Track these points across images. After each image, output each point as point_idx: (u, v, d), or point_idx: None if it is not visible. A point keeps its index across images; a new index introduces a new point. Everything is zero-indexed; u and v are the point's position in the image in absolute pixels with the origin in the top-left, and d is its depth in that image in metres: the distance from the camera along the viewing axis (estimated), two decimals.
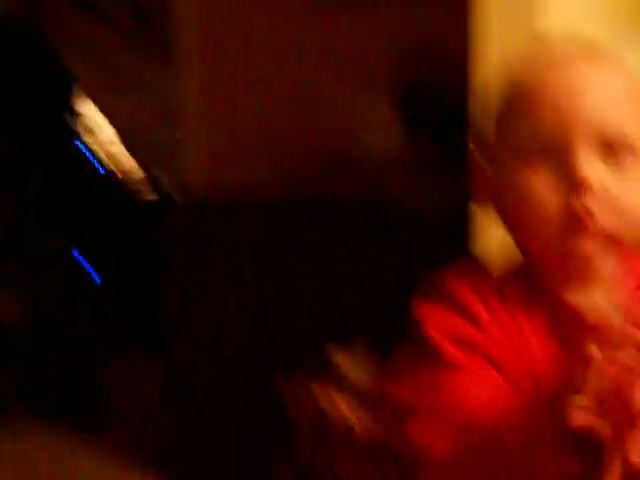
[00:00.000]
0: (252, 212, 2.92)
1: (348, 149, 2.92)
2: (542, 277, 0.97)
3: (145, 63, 3.53)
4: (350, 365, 2.30)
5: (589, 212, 0.89)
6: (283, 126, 3.14)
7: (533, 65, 0.98)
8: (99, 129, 4.59)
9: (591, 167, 0.89)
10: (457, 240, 1.87)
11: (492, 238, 1.70)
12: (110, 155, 4.61)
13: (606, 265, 0.95)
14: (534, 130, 0.92)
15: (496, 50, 1.74)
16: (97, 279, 4.31)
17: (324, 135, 2.98)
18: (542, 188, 0.90)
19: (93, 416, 3.51)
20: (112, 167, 4.60)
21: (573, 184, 0.88)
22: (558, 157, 0.90)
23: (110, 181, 4.60)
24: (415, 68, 2.94)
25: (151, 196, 4.45)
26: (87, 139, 4.60)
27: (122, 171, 4.61)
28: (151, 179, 3.92)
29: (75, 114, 4.50)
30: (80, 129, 4.57)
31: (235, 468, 2.76)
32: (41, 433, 3.42)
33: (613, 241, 0.91)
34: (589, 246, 0.91)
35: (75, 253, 4.16)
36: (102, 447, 3.23)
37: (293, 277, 2.80)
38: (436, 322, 0.92)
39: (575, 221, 0.89)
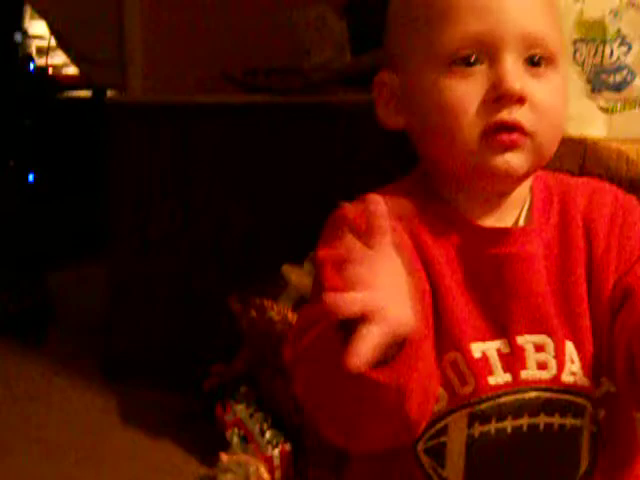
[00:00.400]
0: (193, 112, 2.88)
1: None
2: (450, 195, 0.95)
3: None
4: (302, 279, 2.34)
5: (516, 121, 0.87)
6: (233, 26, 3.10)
7: None
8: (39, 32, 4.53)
9: (518, 76, 0.87)
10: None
11: None
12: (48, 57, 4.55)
13: (522, 187, 0.95)
14: (458, 36, 0.87)
15: None
16: (31, 179, 4.29)
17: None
18: (465, 95, 0.87)
19: (37, 324, 3.51)
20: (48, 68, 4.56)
21: (500, 92, 0.86)
22: (483, 64, 0.88)
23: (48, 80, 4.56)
24: None
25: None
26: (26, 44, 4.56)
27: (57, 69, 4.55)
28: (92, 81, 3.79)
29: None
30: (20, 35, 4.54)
31: (174, 376, 2.76)
32: None
33: (537, 153, 0.90)
34: (512, 159, 0.88)
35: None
36: (46, 356, 3.22)
37: (244, 187, 2.80)
38: (335, 261, 0.81)
39: (499, 134, 0.87)
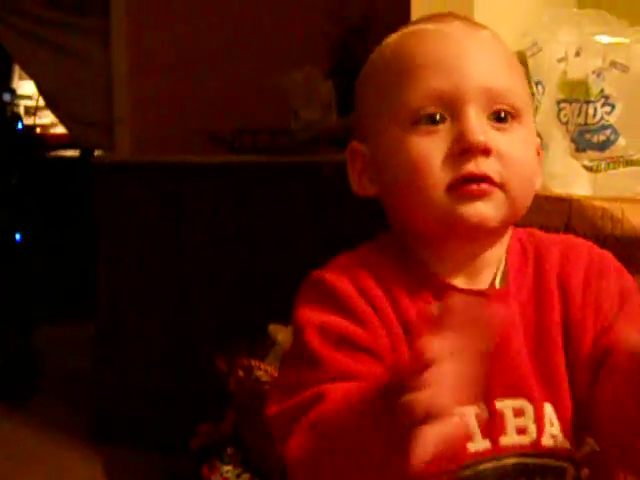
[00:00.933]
0: (181, 177, 2.88)
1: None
2: (424, 256, 0.93)
3: (82, 39, 3.48)
4: (289, 339, 2.35)
5: (483, 172, 0.85)
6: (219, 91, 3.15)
7: (416, 34, 0.94)
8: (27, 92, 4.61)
9: (482, 129, 0.86)
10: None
11: None
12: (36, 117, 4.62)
13: (497, 247, 0.93)
14: (421, 94, 0.87)
15: None
16: (18, 238, 4.29)
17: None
18: (430, 151, 0.86)
19: (22, 382, 3.48)
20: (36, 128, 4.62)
21: (464, 145, 0.85)
22: (447, 122, 0.87)
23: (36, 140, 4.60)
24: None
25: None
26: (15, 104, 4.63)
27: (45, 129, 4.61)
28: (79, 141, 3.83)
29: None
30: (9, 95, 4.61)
31: (161, 436, 2.75)
32: None
33: (508, 206, 0.88)
34: (482, 209, 0.87)
35: None
36: (33, 416, 3.20)
37: (234, 251, 2.79)
38: (316, 325, 0.86)
39: (468, 184, 0.86)
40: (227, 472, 2.31)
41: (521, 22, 1.82)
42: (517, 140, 0.89)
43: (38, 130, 4.73)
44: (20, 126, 4.60)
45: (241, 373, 2.27)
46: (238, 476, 2.30)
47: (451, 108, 0.87)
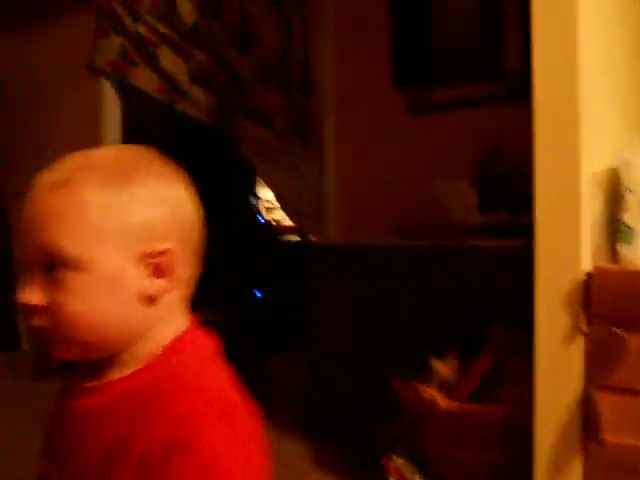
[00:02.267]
0: (370, 255, 2.88)
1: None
2: None
3: (299, 157, 3.59)
4: (445, 370, 2.33)
5: (38, 330, 0.70)
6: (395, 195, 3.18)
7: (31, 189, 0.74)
8: (266, 196, 4.82)
9: (34, 289, 0.69)
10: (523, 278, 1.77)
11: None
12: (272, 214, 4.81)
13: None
14: (17, 252, 0.73)
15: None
16: (259, 294, 4.44)
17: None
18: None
19: (259, 394, 3.51)
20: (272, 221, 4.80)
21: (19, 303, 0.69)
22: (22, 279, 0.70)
23: (271, 229, 4.79)
24: (490, 159, 2.94)
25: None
26: (258, 205, 4.84)
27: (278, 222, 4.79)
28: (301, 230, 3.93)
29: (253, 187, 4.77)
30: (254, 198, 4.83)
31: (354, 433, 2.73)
32: None
33: (79, 346, 0.71)
34: (61, 353, 0.71)
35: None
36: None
37: (406, 308, 2.76)
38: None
39: (46, 341, 0.70)
40: (399, 462, 2.30)
41: (616, 143, 1.79)
42: (68, 290, 0.68)
43: (273, 223, 4.89)
44: (261, 219, 4.82)
45: (410, 392, 2.26)
46: (406, 466, 2.28)
47: (28, 268, 0.71)
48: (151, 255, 0.71)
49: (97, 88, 4.46)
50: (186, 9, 3.89)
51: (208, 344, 0.77)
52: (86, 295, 0.68)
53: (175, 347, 0.73)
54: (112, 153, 0.77)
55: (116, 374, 0.72)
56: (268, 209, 4.86)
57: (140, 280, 0.71)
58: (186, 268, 0.75)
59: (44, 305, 0.69)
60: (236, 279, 4.36)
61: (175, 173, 0.77)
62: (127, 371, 0.72)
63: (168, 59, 3.96)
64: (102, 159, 0.74)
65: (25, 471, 0.96)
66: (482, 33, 2.95)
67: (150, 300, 0.72)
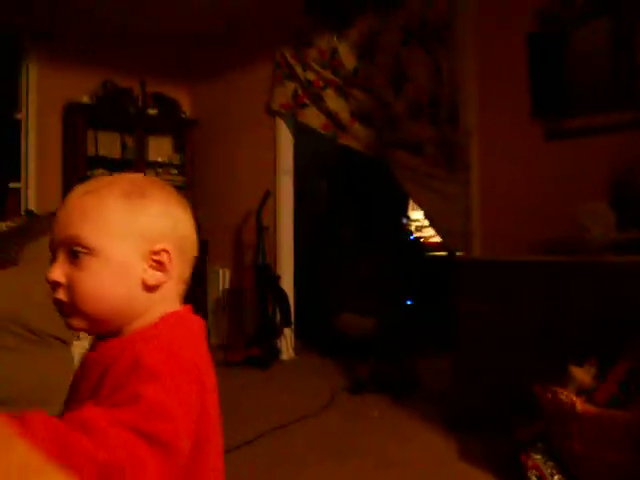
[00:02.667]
0: (511, 269, 2.83)
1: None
2: None
3: (446, 181, 3.60)
4: (583, 376, 2.27)
5: (59, 301, 0.78)
6: (534, 214, 3.13)
7: None
8: (416, 217, 4.86)
9: (58, 268, 0.77)
10: None
11: None
12: (421, 232, 4.83)
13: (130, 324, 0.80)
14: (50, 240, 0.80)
15: None
16: (409, 302, 4.48)
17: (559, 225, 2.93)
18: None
19: (407, 388, 3.54)
20: (421, 238, 4.83)
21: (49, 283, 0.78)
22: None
23: (420, 246, 4.81)
24: (627, 181, 2.83)
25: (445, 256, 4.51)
26: (409, 224, 4.90)
27: (426, 239, 4.80)
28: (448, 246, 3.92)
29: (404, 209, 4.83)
30: (405, 219, 4.89)
31: (500, 435, 2.68)
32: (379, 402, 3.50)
33: (89, 319, 0.78)
34: (74, 324, 0.79)
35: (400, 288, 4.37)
36: (413, 411, 3.22)
37: (547, 318, 2.69)
38: None
39: (64, 313, 0.79)
40: (537, 459, 2.25)
41: None
42: (87, 273, 0.77)
43: (422, 240, 4.91)
44: (412, 237, 4.87)
45: (550, 396, 2.22)
46: (545, 462, 2.23)
47: (53, 251, 0.79)
48: (153, 253, 0.80)
49: (273, 126, 4.74)
50: (347, 57, 4.06)
51: (187, 322, 0.83)
52: (99, 276, 0.77)
53: (158, 321, 0.80)
54: (134, 177, 0.85)
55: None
56: (417, 228, 4.89)
57: (143, 271, 0.80)
58: (179, 267, 0.83)
59: (64, 283, 0.77)
60: (390, 290, 4.43)
61: (178, 198, 0.85)
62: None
63: (332, 100, 4.15)
64: (125, 179, 0.83)
65: None
66: (614, 64, 2.89)
67: (150, 288, 0.80)
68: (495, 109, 3.31)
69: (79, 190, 0.80)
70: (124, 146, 5.20)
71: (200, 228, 4.77)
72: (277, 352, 4.45)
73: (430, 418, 3.06)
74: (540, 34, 3.11)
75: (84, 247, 0.77)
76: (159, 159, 5.39)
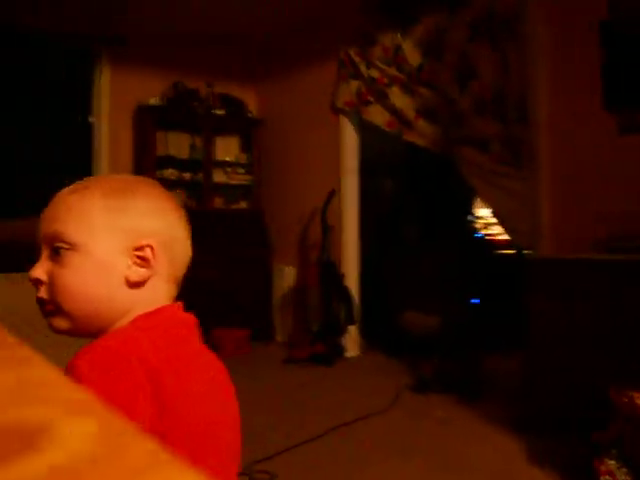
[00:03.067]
0: (582, 268, 2.76)
1: None
2: None
3: (514, 177, 3.54)
4: None
5: (40, 300, 0.77)
6: (606, 212, 3.03)
7: None
8: (482, 214, 4.80)
9: (40, 266, 0.77)
10: None
11: None
12: (487, 230, 4.77)
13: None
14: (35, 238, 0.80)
15: None
16: (476, 301, 4.42)
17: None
18: None
19: (474, 388, 3.48)
20: (489, 235, 4.76)
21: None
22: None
23: (486, 244, 4.74)
24: None
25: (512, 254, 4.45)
26: (475, 222, 4.84)
27: (493, 237, 4.73)
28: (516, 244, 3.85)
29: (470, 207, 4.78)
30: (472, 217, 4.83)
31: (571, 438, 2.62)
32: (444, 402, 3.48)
33: (71, 318, 0.76)
34: (56, 325, 0.77)
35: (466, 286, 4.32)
36: (479, 412, 3.18)
37: (617, 319, 2.61)
38: None
39: (45, 312, 0.78)
40: (611, 465, 2.19)
41: None
42: (69, 270, 0.76)
43: (489, 238, 4.83)
44: (478, 235, 4.80)
45: (625, 400, 2.16)
46: (618, 468, 2.17)
47: (38, 248, 0.79)
48: (136, 249, 0.78)
49: (338, 124, 4.77)
50: (412, 53, 4.04)
51: (166, 321, 0.79)
52: (80, 272, 0.76)
53: (129, 324, 0.77)
54: (123, 176, 0.86)
55: None
56: (484, 226, 4.82)
57: (126, 268, 0.78)
58: (166, 266, 0.81)
59: (46, 281, 0.77)
60: (455, 288, 4.39)
61: (169, 198, 0.84)
62: None
63: (397, 97, 4.15)
64: (113, 178, 0.84)
65: None
66: None
67: (133, 285, 0.78)
68: (566, 103, 3.22)
69: (66, 189, 0.80)
70: (192, 146, 5.35)
71: (266, 227, 4.89)
72: (341, 350, 4.49)
73: (497, 419, 3.02)
74: (613, 22, 3.01)
75: (66, 243, 0.76)
76: (226, 158, 5.51)
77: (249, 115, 5.59)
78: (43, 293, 0.77)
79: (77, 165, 5.04)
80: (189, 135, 5.34)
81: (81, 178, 0.83)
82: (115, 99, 5.09)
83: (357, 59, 4.45)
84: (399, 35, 4.11)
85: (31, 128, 4.95)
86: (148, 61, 5.21)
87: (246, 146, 5.62)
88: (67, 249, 0.76)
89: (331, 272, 4.49)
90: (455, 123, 3.76)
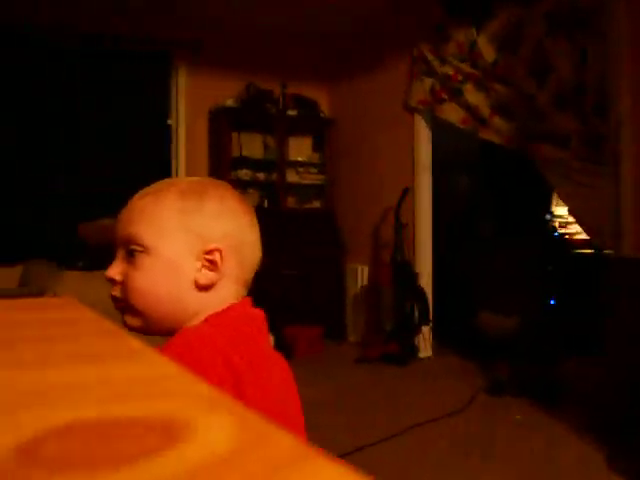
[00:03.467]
0: None
1: None
2: None
3: (594, 174, 3.45)
4: None
5: (115, 299, 0.81)
6: None
7: None
8: (559, 213, 4.67)
9: (115, 267, 0.81)
10: None
11: None
12: (565, 229, 4.64)
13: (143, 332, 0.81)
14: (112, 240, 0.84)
15: None
16: (553, 302, 4.31)
17: None
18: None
19: (551, 391, 3.41)
20: (567, 234, 4.63)
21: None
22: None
23: (564, 242, 4.62)
24: None
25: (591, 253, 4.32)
26: (552, 221, 4.72)
27: (571, 236, 4.60)
28: (596, 244, 3.73)
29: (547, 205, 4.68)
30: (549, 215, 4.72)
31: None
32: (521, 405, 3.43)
33: (142, 316, 0.79)
34: (129, 322, 0.80)
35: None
36: (558, 416, 3.10)
37: None
38: None
39: (119, 310, 0.82)
40: None
41: None
42: (141, 272, 0.79)
43: (567, 236, 4.70)
44: (556, 234, 4.68)
45: None
46: None
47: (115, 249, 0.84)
48: (206, 252, 0.80)
49: (411, 122, 4.75)
50: (486, 49, 3.98)
51: (237, 320, 0.80)
52: (151, 273, 0.78)
53: (202, 323, 0.79)
54: (195, 178, 0.87)
55: None
56: (562, 224, 4.69)
57: (196, 270, 0.80)
58: (235, 268, 0.82)
59: (120, 280, 0.81)
60: (533, 288, 4.29)
61: (239, 201, 0.85)
62: None
63: (472, 94, 4.09)
64: (185, 181, 0.85)
65: None
66: None
67: (202, 288, 0.80)
68: None
69: (141, 192, 0.83)
70: (266, 147, 5.45)
71: (338, 226, 4.94)
72: (415, 350, 4.47)
73: (577, 424, 2.95)
74: None
75: (139, 245, 0.79)
76: (299, 158, 5.59)
77: (321, 115, 5.64)
78: (117, 292, 0.81)
79: (156, 167, 5.23)
80: (262, 136, 5.44)
81: (160, 180, 0.87)
82: (191, 101, 5.26)
83: (430, 56, 4.42)
84: (474, 30, 4.05)
85: (113, 131, 5.18)
86: (222, 64, 5.36)
87: (318, 146, 5.68)
88: (140, 251, 0.79)
89: (405, 271, 4.48)
90: (532, 119, 3.68)
